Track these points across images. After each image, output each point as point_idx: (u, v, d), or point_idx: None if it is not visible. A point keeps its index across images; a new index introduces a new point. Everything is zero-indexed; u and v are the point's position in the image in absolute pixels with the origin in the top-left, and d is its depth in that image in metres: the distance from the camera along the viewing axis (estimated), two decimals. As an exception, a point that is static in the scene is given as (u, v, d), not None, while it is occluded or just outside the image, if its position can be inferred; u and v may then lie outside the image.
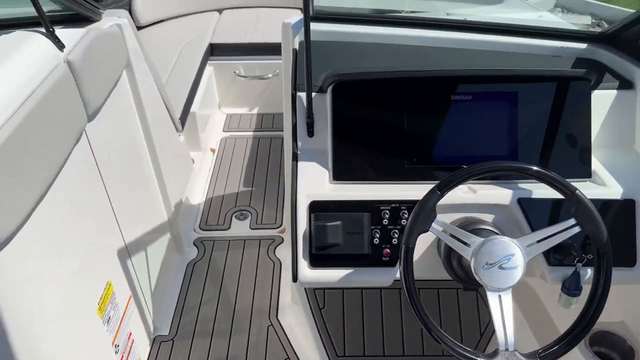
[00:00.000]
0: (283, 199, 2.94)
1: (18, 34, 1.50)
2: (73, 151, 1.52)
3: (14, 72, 1.33)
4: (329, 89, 1.42)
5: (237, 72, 3.62)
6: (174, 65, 3.27)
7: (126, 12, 2.04)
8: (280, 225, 2.76)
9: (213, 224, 2.79)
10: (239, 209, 2.88)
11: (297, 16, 1.87)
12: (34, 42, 1.47)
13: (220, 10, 4.15)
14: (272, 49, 3.56)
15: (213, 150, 3.37)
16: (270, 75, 3.61)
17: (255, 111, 3.79)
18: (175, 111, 2.70)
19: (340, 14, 1.79)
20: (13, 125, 1.22)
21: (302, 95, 1.48)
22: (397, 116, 1.39)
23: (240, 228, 2.77)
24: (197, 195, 2.98)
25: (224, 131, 3.57)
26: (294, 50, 1.78)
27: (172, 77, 3.15)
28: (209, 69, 3.53)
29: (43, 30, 1.52)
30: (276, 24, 3.71)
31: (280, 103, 3.58)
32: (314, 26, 1.82)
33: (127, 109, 2.04)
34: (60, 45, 1.54)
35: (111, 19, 1.92)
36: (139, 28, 3.89)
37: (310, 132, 1.49)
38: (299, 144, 1.49)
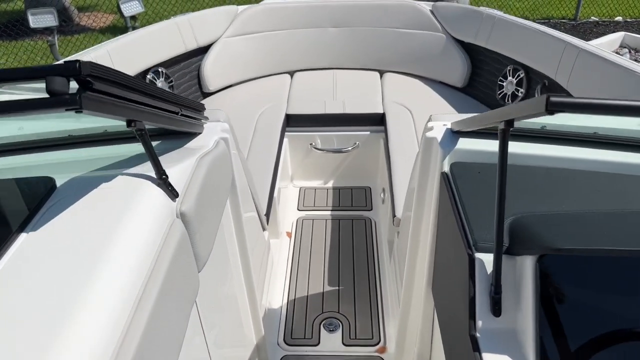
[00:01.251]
0: (377, 306, 2.56)
1: (125, 181, 1.18)
2: None
3: (132, 238, 1.02)
4: (533, 261, 1.05)
5: (313, 144, 3.29)
6: (252, 142, 2.97)
7: (224, 114, 1.70)
8: (378, 342, 2.38)
9: (299, 337, 2.42)
10: (327, 317, 2.51)
11: (438, 122, 1.53)
12: (145, 192, 1.15)
13: (291, 73, 3.85)
14: (352, 120, 3.22)
15: (289, 235, 3.03)
16: (350, 148, 3.27)
17: (330, 184, 3.45)
18: (261, 204, 2.37)
19: (532, 130, 1.43)
20: (144, 316, 0.90)
21: (482, 257, 1.12)
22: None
23: (331, 343, 2.39)
24: (278, 296, 2.63)
25: (298, 209, 3.24)
26: (444, 176, 1.43)
27: (251, 156, 2.84)
28: (284, 141, 3.22)
29: (152, 174, 1.20)
30: (355, 91, 3.39)
31: (358, 176, 3.23)
32: (465, 143, 1.46)
33: (228, 236, 1.71)
34: (173, 194, 1.22)
35: (214, 130, 1.59)
36: (209, 94, 3.62)
37: (497, 311, 1.12)
38: (479, 323, 1.11)
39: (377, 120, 3.22)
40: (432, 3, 3.71)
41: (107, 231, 1.01)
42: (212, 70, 3.52)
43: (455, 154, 1.45)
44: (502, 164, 1.04)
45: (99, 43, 2.91)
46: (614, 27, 8.49)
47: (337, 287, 2.66)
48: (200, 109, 1.57)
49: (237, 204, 1.73)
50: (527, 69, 3.00)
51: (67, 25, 9.18)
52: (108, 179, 1.18)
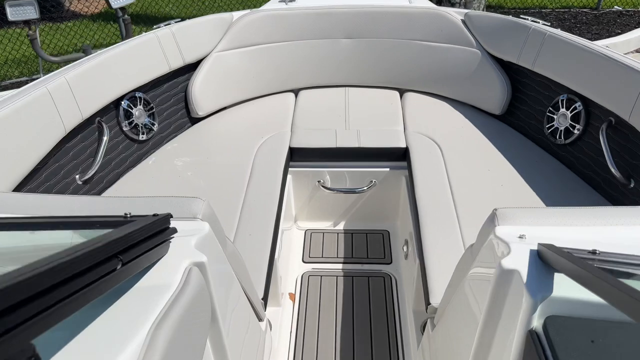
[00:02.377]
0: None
1: None
2: None
3: None
4: None
5: (321, 181, 2.77)
6: (249, 185, 2.42)
7: (203, 204, 1.18)
8: None
9: None
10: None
11: (510, 229, 1.06)
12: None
13: (296, 92, 3.30)
14: (369, 156, 2.70)
15: (293, 298, 2.54)
16: (365, 187, 2.75)
17: (341, 227, 2.94)
18: (257, 292, 1.87)
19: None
20: None
21: None
22: None
23: None
24: None
25: (304, 262, 2.74)
26: (534, 335, 0.94)
27: (247, 207, 2.29)
28: (287, 179, 2.71)
29: None
30: (372, 116, 2.84)
31: (375, 219, 2.70)
32: (568, 285, 0.96)
33: None
34: None
35: (184, 249, 1.06)
36: (199, 120, 3.07)
37: None
38: None
39: (399, 155, 2.70)
40: (464, 11, 3.07)
41: None
42: (202, 92, 2.97)
43: (553, 303, 0.94)
44: None
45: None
46: (639, 18, 7.86)
47: None
48: (163, 225, 1.05)
49: (219, 335, 1.23)
50: (587, 102, 2.43)
51: (56, 11, 8.59)
52: None
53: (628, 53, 6.02)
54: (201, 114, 3.00)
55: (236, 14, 3.14)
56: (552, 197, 2.27)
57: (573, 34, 3.06)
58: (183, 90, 2.97)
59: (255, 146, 2.70)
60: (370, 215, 2.88)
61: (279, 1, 3.38)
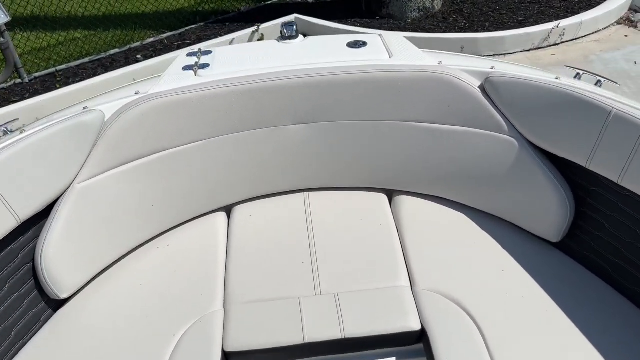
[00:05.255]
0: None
1: None
2: None
3: None
4: None
5: None
6: None
7: None
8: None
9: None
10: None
11: None
12: None
13: (228, 209, 2.08)
14: (360, 346, 1.60)
15: None
16: None
17: None
18: None
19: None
20: None
21: None
22: None
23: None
24: None
25: None
26: None
27: None
28: None
29: None
30: (354, 254, 1.80)
31: None
32: None
33: None
34: None
35: None
36: (60, 304, 1.77)
37: None
38: None
39: (410, 340, 1.62)
40: (484, 71, 1.84)
41: None
42: (62, 258, 1.68)
43: None
44: None
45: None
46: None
47: None
48: None
49: None
50: None
51: None
52: None
53: (608, 27, 4.83)
54: (64, 295, 1.70)
55: (109, 108, 1.78)
56: None
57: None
58: (29, 258, 1.69)
59: (160, 355, 1.53)
60: None
61: (184, 68, 1.98)
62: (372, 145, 1.96)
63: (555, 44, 4.40)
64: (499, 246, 1.80)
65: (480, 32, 4.41)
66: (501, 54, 4.29)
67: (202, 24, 5.26)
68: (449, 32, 4.47)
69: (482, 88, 1.82)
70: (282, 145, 1.96)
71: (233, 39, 4.59)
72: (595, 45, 4.35)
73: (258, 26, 4.73)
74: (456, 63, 1.91)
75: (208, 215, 2.03)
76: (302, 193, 2.10)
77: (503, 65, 1.91)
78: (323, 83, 1.85)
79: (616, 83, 1.99)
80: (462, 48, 4.25)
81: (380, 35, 2.17)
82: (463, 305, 1.59)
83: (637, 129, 1.47)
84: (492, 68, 1.86)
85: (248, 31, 4.70)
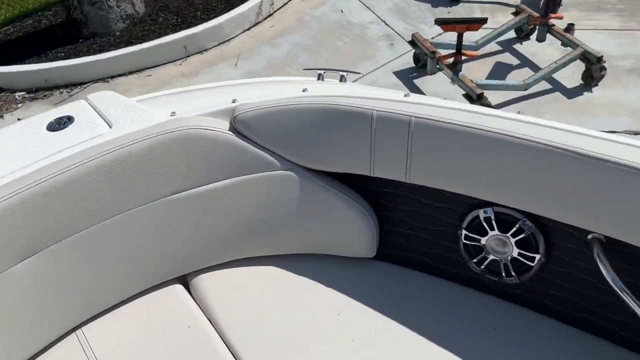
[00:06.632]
0: None
1: None
2: None
3: None
4: None
5: None
6: None
7: None
8: None
9: None
10: None
11: None
12: None
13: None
14: None
15: None
16: None
17: None
18: None
19: None
20: None
21: None
22: None
23: None
24: None
25: None
26: None
27: None
28: None
29: None
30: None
31: None
32: None
33: None
34: None
35: None
36: None
37: None
38: None
39: None
40: (230, 107, 1.59)
41: None
42: None
43: None
44: None
45: None
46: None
47: None
48: None
49: None
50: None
51: None
52: None
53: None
54: None
55: None
56: None
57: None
58: None
59: None
60: None
61: None
62: (149, 235, 1.56)
63: (270, 15, 4.43)
64: (322, 285, 1.63)
65: (195, 24, 4.20)
66: (225, 41, 4.16)
67: None
68: (165, 34, 4.15)
69: (234, 129, 1.57)
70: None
71: None
72: (304, 5, 4.50)
73: None
74: (195, 106, 1.59)
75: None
76: None
77: (251, 93, 1.66)
78: (38, 196, 1.36)
79: (358, 73, 1.94)
80: (185, 48, 4.02)
81: (86, 99, 1.68)
82: None
83: (402, 125, 1.42)
84: (233, 101, 1.58)
85: None
